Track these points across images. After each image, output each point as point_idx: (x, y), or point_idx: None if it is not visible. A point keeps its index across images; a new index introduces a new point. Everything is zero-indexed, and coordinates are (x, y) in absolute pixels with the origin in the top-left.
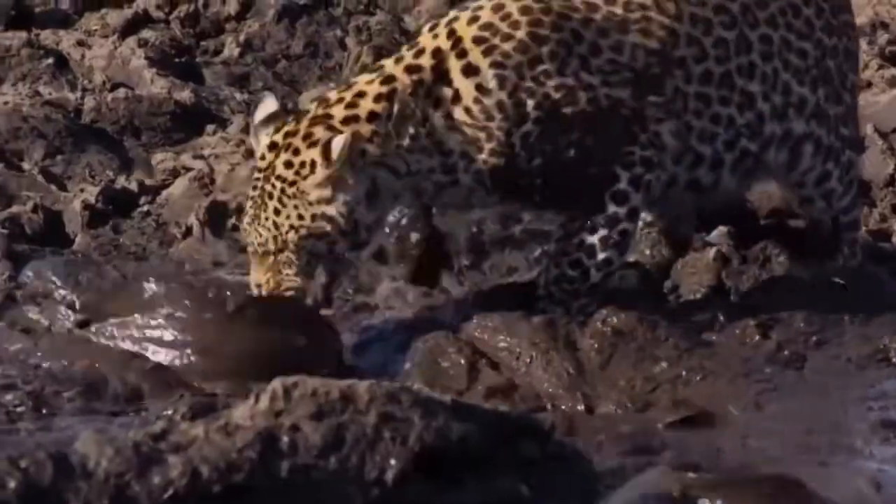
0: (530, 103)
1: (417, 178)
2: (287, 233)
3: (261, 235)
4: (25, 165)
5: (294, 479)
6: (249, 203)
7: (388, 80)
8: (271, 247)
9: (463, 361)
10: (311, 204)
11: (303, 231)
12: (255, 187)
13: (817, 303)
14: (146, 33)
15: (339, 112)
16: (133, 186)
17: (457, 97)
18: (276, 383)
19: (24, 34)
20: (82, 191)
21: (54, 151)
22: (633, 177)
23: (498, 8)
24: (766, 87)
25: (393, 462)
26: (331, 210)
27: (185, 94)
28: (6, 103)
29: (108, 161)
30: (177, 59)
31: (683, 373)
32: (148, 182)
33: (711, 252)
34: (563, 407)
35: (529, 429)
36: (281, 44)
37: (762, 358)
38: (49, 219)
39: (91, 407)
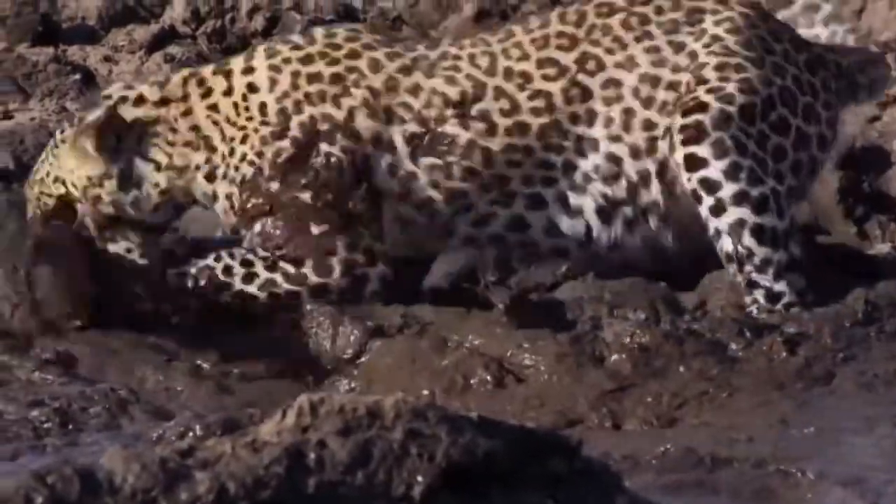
0: None
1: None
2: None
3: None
4: None
5: (321, 495)
6: None
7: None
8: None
9: (489, 378)
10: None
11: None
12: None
13: (844, 318)
14: (173, 49)
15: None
16: None
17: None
18: (303, 399)
19: (50, 50)
20: None
21: None
22: None
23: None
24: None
25: (420, 478)
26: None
27: None
28: (33, 119)
29: None
30: None
31: (710, 389)
32: None
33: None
34: (590, 423)
35: (557, 445)
36: None
37: (790, 374)
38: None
39: (117, 423)
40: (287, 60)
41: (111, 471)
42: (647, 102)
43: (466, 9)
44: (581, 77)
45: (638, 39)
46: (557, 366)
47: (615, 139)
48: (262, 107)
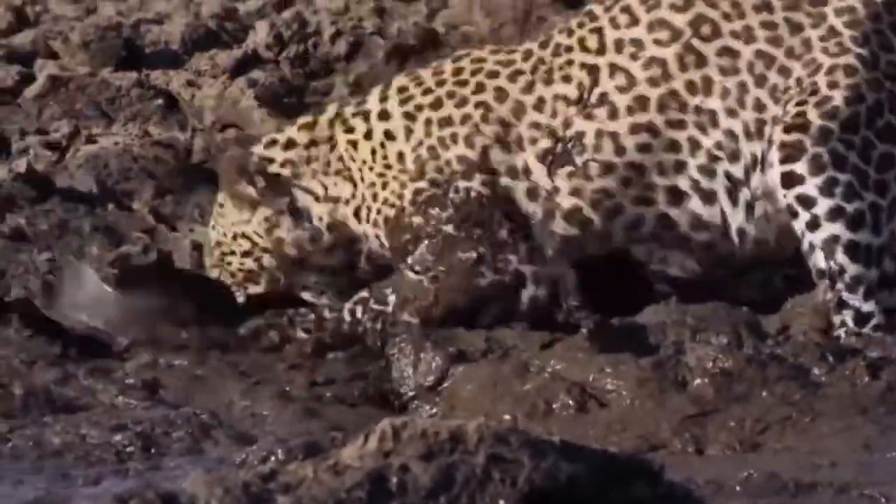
0: None
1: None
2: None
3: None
4: (135, 205)
5: None
6: None
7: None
8: (206, 256)
9: (572, 402)
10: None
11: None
12: None
13: None
14: (256, 73)
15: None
16: None
17: None
18: (386, 423)
19: (133, 74)
20: (192, 230)
21: (164, 191)
22: None
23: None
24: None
25: (502, 503)
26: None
27: None
28: (116, 144)
29: None
30: (286, 100)
31: (793, 414)
32: None
33: (820, 292)
34: (673, 448)
35: (639, 469)
36: None
37: (872, 399)
38: (159, 258)
39: (200, 448)
40: (420, 108)
41: (194, 495)
42: (760, 81)
43: None
44: (696, 42)
45: (757, 9)
46: (640, 390)
47: (732, 113)
48: (400, 156)
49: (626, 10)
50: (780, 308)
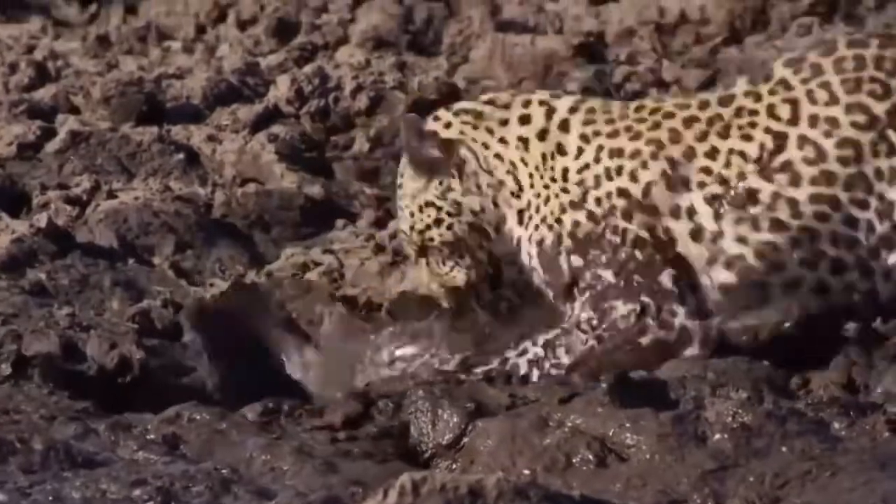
0: None
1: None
2: (410, 231)
3: (404, 238)
4: (156, 260)
5: None
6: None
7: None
8: (410, 246)
9: (591, 456)
10: (412, 198)
11: (420, 224)
12: None
13: None
14: (276, 128)
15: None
16: (262, 280)
17: None
18: (405, 478)
19: (154, 129)
20: (212, 285)
21: (184, 246)
22: None
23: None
24: None
25: None
26: (426, 198)
27: (315, 189)
28: (137, 198)
29: (238, 256)
30: (307, 154)
31: (813, 469)
32: (277, 276)
33: (843, 347)
34: (692, 503)
35: None
36: None
37: (893, 454)
38: (179, 313)
39: (220, 503)
40: (597, 134)
41: None
42: None
43: (570, 88)
44: (890, 132)
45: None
46: (659, 445)
47: None
48: (565, 173)
49: (825, 86)
50: (801, 363)
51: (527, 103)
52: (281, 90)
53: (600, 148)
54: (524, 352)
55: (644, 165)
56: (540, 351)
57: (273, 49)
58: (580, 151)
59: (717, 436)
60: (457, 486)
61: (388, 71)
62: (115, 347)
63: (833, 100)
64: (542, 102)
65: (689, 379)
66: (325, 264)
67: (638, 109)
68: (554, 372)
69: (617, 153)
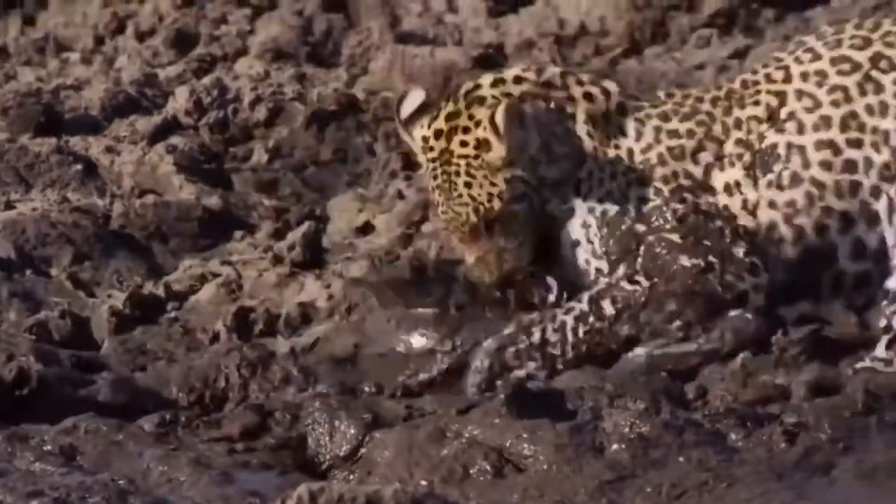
0: None
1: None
2: (489, 201)
3: (459, 214)
4: (54, 271)
5: None
6: (436, 192)
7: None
8: (473, 217)
9: (489, 467)
10: (498, 170)
11: (505, 195)
12: (434, 176)
13: (844, 409)
14: (175, 139)
15: (487, 92)
16: (160, 292)
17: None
18: (303, 489)
19: (53, 140)
20: (110, 296)
21: (82, 257)
22: None
23: None
24: None
25: None
26: (517, 172)
27: (213, 201)
28: (35, 209)
29: (137, 267)
30: (205, 166)
31: (710, 480)
32: (175, 288)
33: (739, 358)
34: None
35: None
36: (309, 150)
37: (789, 465)
38: (76, 324)
39: None
40: (649, 117)
41: None
42: None
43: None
44: (874, 73)
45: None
46: (557, 455)
47: None
48: (630, 153)
49: (810, 49)
50: (698, 374)
51: (580, 82)
52: (179, 101)
53: (658, 129)
54: (570, 310)
55: (701, 146)
56: (585, 306)
57: (172, 60)
58: (639, 134)
59: (615, 446)
60: (354, 496)
61: (288, 82)
62: (13, 359)
63: (817, 57)
64: (594, 83)
65: (586, 390)
66: (223, 276)
67: (669, 96)
68: (598, 325)
69: (674, 134)
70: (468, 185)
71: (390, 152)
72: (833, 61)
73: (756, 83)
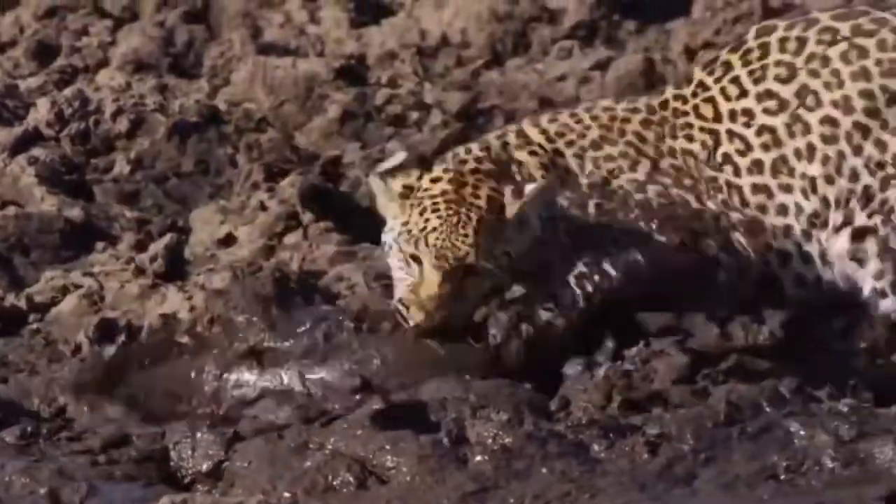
0: None
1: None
2: (485, 254)
3: (458, 248)
4: None
5: None
6: (433, 221)
7: (522, 134)
8: (471, 257)
9: (352, 479)
10: (501, 238)
11: (494, 258)
12: (435, 209)
13: (706, 419)
14: (36, 151)
15: (486, 167)
16: (22, 304)
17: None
18: (165, 501)
19: None
20: None
21: None
22: None
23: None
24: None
25: None
26: (517, 244)
27: (75, 212)
28: None
29: None
30: (67, 177)
31: (573, 491)
32: (37, 300)
33: (602, 369)
34: None
35: None
36: (171, 161)
37: (651, 475)
38: None
39: None
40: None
41: None
42: (857, 151)
43: (331, 110)
44: (801, 112)
45: (854, 77)
46: (420, 467)
47: (829, 180)
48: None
49: (735, 81)
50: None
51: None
52: (41, 113)
53: (595, 159)
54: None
55: (636, 161)
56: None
57: (33, 72)
58: (581, 168)
59: (478, 457)
60: None
61: (149, 94)
62: None
63: (743, 92)
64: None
65: (449, 401)
66: (85, 287)
67: (594, 119)
68: (606, 286)
69: (610, 158)
70: (476, 231)
71: (252, 164)
72: (759, 98)
73: (685, 113)
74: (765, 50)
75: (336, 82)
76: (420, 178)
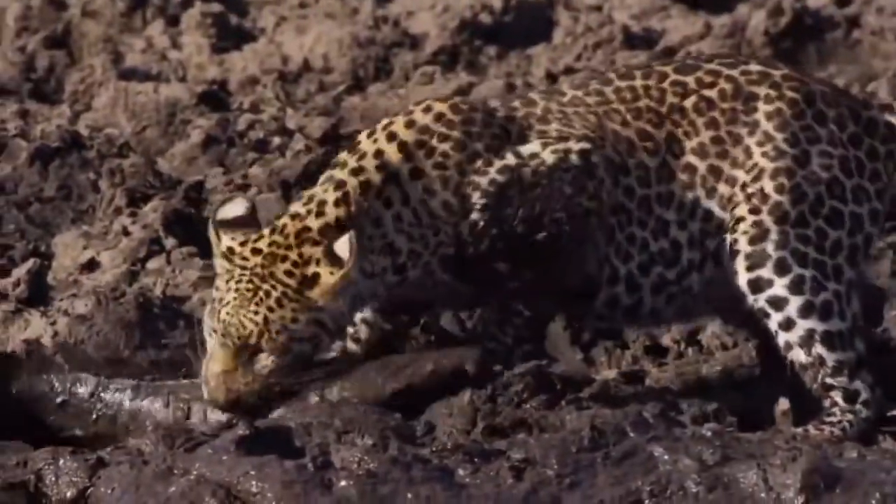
0: (475, 195)
1: (376, 279)
2: (278, 333)
3: (244, 327)
4: None
5: None
6: (230, 294)
7: (340, 185)
8: (254, 339)
9: None
10: (311, 310)
11: (297, 334)
12: (238, 281)
13: (570, 444)
14: None
15: (314, 224)
16: None
17: (405, 199)
18: None
19: None
20: None
21: None
22: None
23: (427, 110)
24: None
25: None
26: (332, 312)
27: None
28: None
29: None
30: None
31: None
32: None
33: (467, 394)
34: None
35: None
36: (33, 186)
37: (517, 500)
38: None
39: None
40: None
41: None
42: (710, 193)
43: (194, 136)
44: (669, 157)
45: (707, 126)
46: (284, 492)
47: (681, 225)
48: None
49: (617, 112)
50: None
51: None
52: None
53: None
54: None
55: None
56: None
57: None
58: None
59: (343, 482)
60: None
61: (10, 118)
62: None
63: (625, 124)
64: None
65: (314, 426)
66: None
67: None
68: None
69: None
70: (271, 309)
71: (114, 189)
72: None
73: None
74: (635, 96)
75: (198, 108)
76: (244, 243)
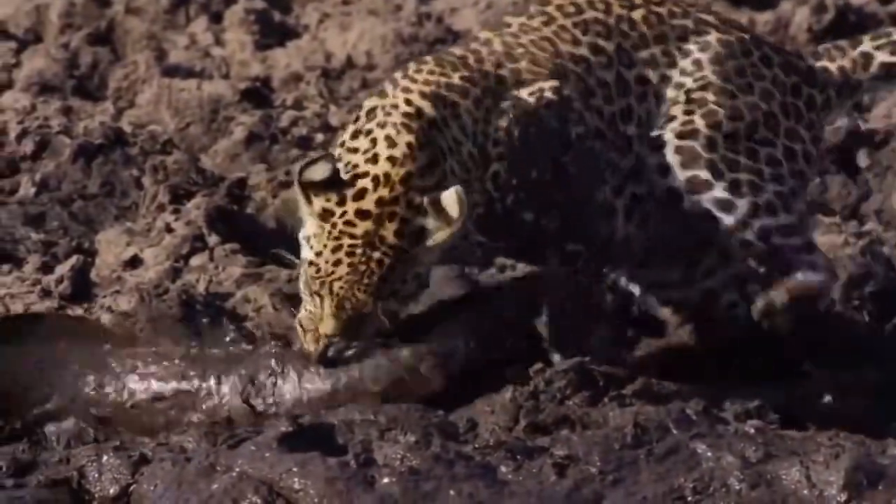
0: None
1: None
2: (390, 297)
3: (359, 300)
4: None
5: None
6: (341, 268)
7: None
8: (368, 309)
9: (259, 502)
10: (417, 266)
11: (404, 292)
12: (350, 253)
13: (613, 441)
14: None
15: (412, 167)
16: None
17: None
18: None
19: None
20: None
21: None
22: None
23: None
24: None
25: None
26: (430, 266)
27: None
28: None
29: None
30: None
31: None
32: None
33: (509, 391)
34: None
35: None
36: (77, 183)
37: (560, 497)
38: None
39: None
40: None
41: None
42: (660, 100)
43: (237, 133)
44: (622, 69)
45: (656, 41)
46: (327, 489)
47: (641, 139)
48: None
49: (565, 29)
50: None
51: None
52: None
53: None
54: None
55: None
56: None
57: None
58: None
59: (386, 479)
60: None
61: (54, 115)
62: None
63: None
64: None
65: (357, 423)
66: None
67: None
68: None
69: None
70: (384, 279)
71: (158, 185)
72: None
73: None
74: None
75: (241, 104)
76: (342, 201)
